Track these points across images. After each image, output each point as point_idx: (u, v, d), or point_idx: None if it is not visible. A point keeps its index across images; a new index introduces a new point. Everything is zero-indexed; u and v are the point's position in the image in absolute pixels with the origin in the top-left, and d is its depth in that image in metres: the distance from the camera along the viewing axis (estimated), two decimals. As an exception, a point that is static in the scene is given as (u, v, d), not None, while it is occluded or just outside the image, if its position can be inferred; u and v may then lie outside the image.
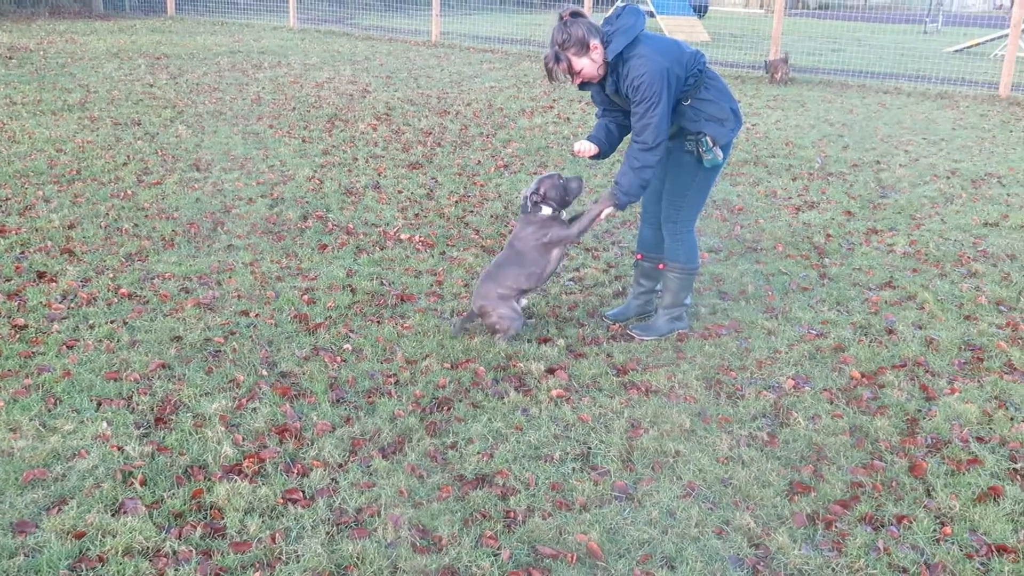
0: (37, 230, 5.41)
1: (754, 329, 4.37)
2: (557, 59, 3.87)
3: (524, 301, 4.21)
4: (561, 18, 3.89)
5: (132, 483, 2.95)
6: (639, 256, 4.42)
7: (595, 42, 3.84)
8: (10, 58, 12.37)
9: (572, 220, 4.19)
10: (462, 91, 11.33)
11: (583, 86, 4.04)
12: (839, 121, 9.99)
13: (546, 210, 4.15)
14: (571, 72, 3.90)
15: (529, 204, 4.15)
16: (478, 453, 3.22)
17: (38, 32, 15.78)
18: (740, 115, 4.09)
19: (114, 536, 2.68)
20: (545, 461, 3.19)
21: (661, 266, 4.32)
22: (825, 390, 3.76)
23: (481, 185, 6.87)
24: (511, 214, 6.13)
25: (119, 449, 3.14)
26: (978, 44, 18.01)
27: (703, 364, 3.98)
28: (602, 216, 4.12)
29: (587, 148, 4.13)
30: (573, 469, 3.15)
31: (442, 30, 17.50)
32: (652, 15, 20.56)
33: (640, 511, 2.92)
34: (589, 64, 3.88)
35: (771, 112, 10.51)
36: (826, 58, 16.06)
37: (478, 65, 14.03)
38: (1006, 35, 14.10)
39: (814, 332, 4.36)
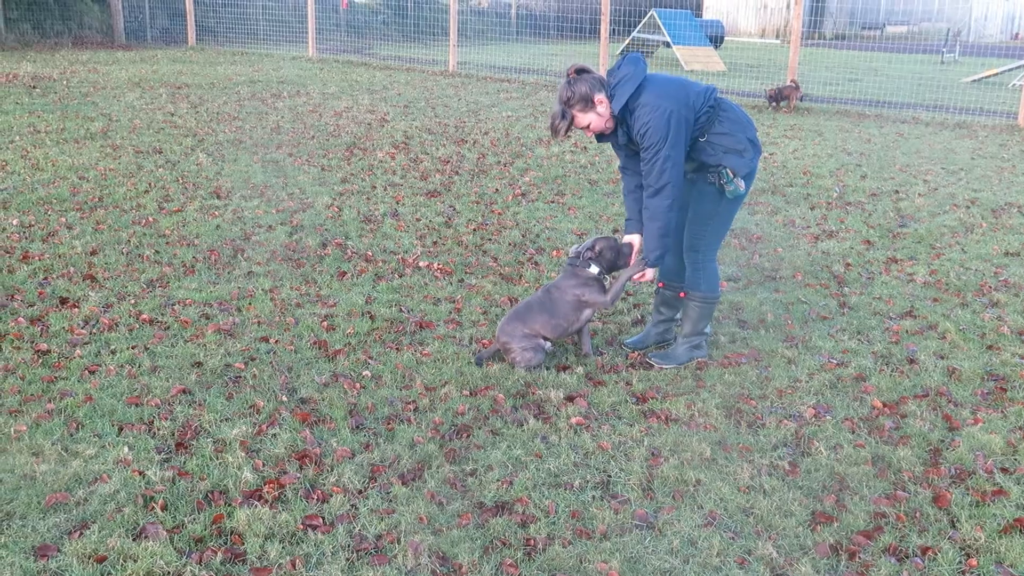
0: (60, 256, 5.47)
1: (774, 358, 4.35)
2: (563, 116, 3.94)
3: (548, 345, 4.22)
4: (567, 75, 3.96)
5: (153, 507, 2.96)
6: (660, 284, 4.42)
7: (600, 96, 3.89)
8: (34, 87, 12.58)
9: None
10: (479, 120, 11.41)
11: (600, 137, 4.09)
12: (857, 151, 9.99)
13: (594, 269, 4.19)
14: (575, 128, 3.98)
15: (581, 258, 4.20)
16: (498, 480, 3.21)
17: (61, 62, 16.05)
18: (758, 143, 4.11)
19: (135, 561, 2.69)
20: (565, 489, 3.17)
21: (682, 294, 4.32)
22: (847, 419, 3.74)
23: (499, 213, 6.90)
24: (528, 242, 6.15)
25: (140, 474, 3.15)
26: (996, 74, 18.01)
27: (723, 393, 3.97)
28: (635, 280, 4.16)
29: (636, 240, 4.21)
30: (593, 497, 3.13)
31: (459, 60, 17.67)
32: (668, 45, 20.73)
33: (661, 540, 2.90)
34: (596, 119, 3.94)
35: (788, 141, 10.52)
36: (843, 88, 16.09)
37: (495, 95, 14.14)
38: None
39: (835, 361, 4.33)
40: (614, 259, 4.24)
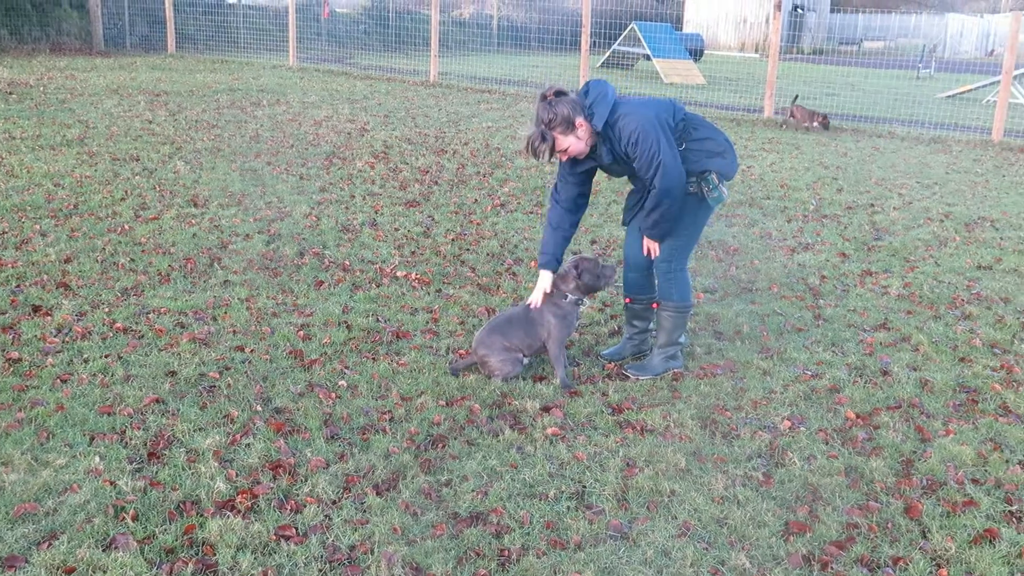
0: (33, 264, 5.41)
1: (749, 369, 4.38)
2: (543, 138, 3.86)
3: (525, 360, 4.21)
4: (545, 97, 3.88)
5: (124, 518, 2.93)
6: (628, 300, 4.43)
7: (580, 119, 3.85)
8: (10, 93, 12.47)
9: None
10: (459, 130, 11.43)
11: (572, 163, 4.03)
12: (833, 164, 10.09)
13: (571, 298, 4.17)
14: (556, 151, 3.90)
15: (560, 286, 4.18)
16: (473, 491, 3.20)
17: (39, 68, 15.92)
18: (733, 145, 4.14)
19: (104, 572, 2.66)
20: (540, 499, 3.17)
21: (655, 305, 4.33)
22: (820, 430, 3.76)
23: (477, 223, 6.91)
24: (507, 252, 6.16)
25: (111, 484, 3.12)
26: (971, 90, 18.26)
27: (698, 404, 3.98)
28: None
29: (548, 281, 4.20)
30: (568, 508, 3.13)
31: (440, 70, 17.70)
32: (649, 58, 20.86)
33: (635, 551, 2.90)
34: (575, 142, 3.89)
35: (766, 155, 10.61)
36: (821, 102, 16.25)
37: (475, 105, 14.17)
38: (998, 81, 14.30)
39: (809, 373, 4.36)
40: (593, 283, 4.21)
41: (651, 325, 4.46)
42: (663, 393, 4.09)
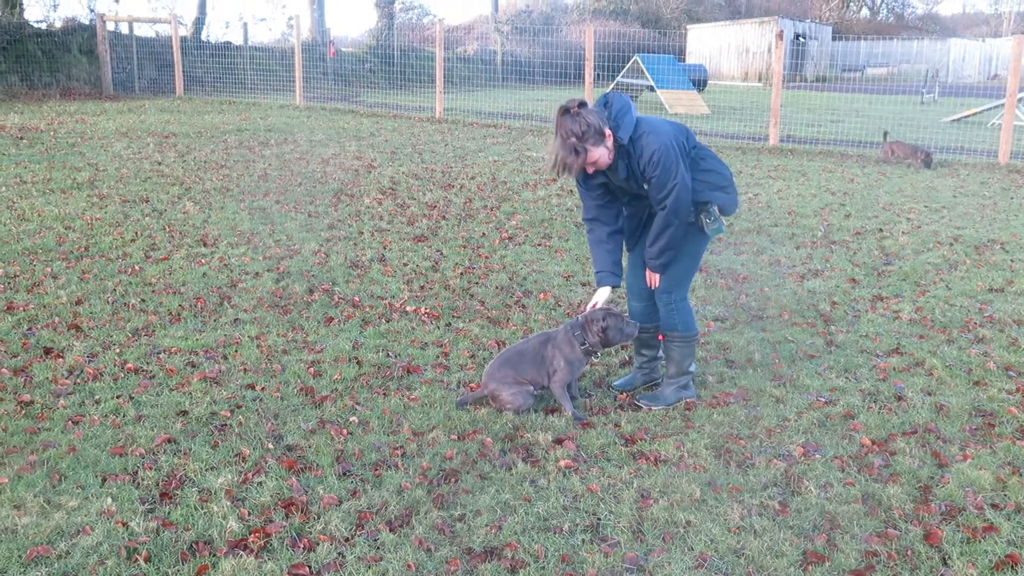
0: (45, 306, 5.44)
1: (762, 397, 4.35)
2: (576, 152, 3.78)
3: (537, 392, 4.19)
4: (569, 111, 3.82)
5: (137, 559, 2.91)
6: None
7: (607, 130, 3.83)
8: (21, 138, 12.62)
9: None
10: (466, 165, 11.50)
11: (589, 178, 4.01)
12: (840, 190, 10.09)
13: (586, 346, 4.14)
14: (587, 164, 3.84)
15: (580, 330, 4.13)
16: (486, 525, 3.18)
17: (49, 113, 16.13)
18: (734, 181, 4.15)
19: (117, 615, 2.64)
20: (554, 533, 3.14)
21: (660, 336, 4.32)
22: (836, 458, 3.72)
23: (486, 257, 6.92)
24: (516, 285, 6.16)
25: (124, 525, 3.10)
26: (975, 113, 18.30)
27: (712, 433, 3.95)
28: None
29: (606, 295, 4.19)
30: (583, 541, 3.10)
31: (446, 106, 17.85)
32: (652, 89, 21.01)
33: (652, 584, 2.86)
34: (604, 152, 3.84)
35: (773, 182, 10.63)
36: (826, 129, 16.31)
37: (481, 140, 14.26)
38: (1002, 104, 14.31)
39: (823, 399, 4.33)
40: (614, 338, 4.15)
41: (660, 353, 4.44)
42: (676, 423, 4.06)
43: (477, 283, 6.22)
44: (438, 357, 4.81)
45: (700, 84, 25.03)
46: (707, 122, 17.50)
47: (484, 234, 7.67)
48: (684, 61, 34.33)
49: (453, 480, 3.50)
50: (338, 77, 24.82)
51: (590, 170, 3.92)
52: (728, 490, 3.45)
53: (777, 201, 9.38)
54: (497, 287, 6.13)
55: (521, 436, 3.88)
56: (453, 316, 5.50)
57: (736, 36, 38.45)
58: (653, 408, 4.21)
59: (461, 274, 6.42)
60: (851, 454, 3.76)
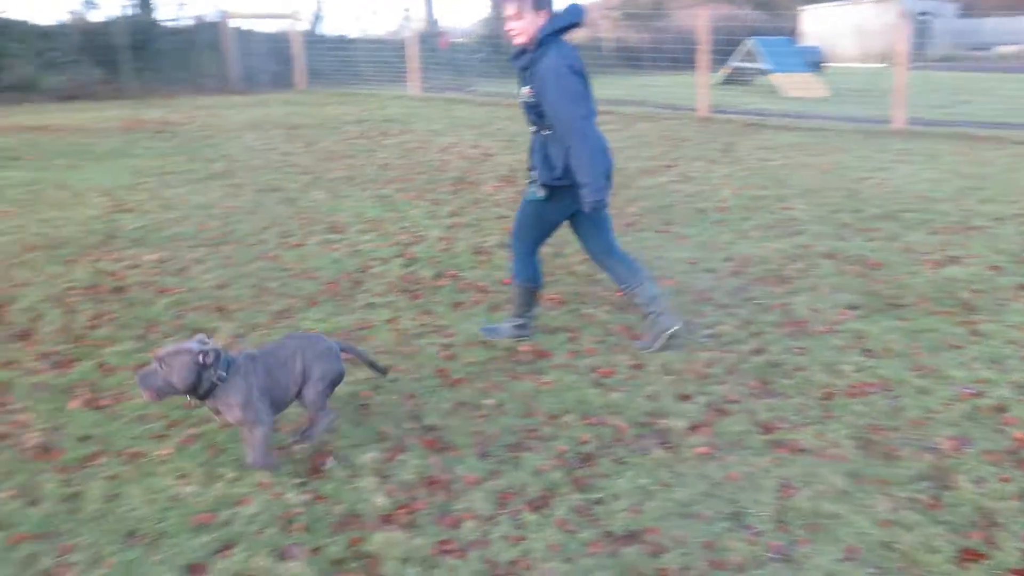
0: (192, 290, 5.74)
1: (904, 387, 4.21)
2: None
3: None
4: None
5: (293, 530, 3.06)
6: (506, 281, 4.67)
7: (545, 11, 4.10)
8: (160, 132, 13.29)
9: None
10: (582, 152, 11.45)
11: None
12: (975, 173, 9.62)
13: None
14: (504, 16, 4.12)
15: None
16: (625, 509, 3.20)
17: (182, 107, 16.93)
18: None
19: (280, 581, 2.78)
20: (695, 519, 3.14)
21: (619, 293, 4.72)
22: (988, 452, 3.58)
23: (608, 243, 6.89)
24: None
25: (279, 497, 3.26)
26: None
27: (852, 423, 3.86)
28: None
29: None
30: (724, 528, 3.08)
31: (558, 94, 17.82)
32: (765, 73, 20.47)
33: (800, 573, 2.83)
34: (528, 26, 4.13)
35: (901, 166, 10.22)
36: (955, 110, 15.56)
37: (595, 127, 14.18)
38: None
39: (970, 391, 4.16)
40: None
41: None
42: (814, 412, 3.98)
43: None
44: (566, 342, 4.85)
45: (815, 66, 24.24)
46: (826, 105, 16.94)
47: (604, 221, 7.64)
48: (798, 43, 33.28)
49: (590, 463, 3.53)
50: (451, 67, 25.14)
51: (508, 31, 4.18)
52: (874, 482, 3.37)
53: (907, 186, 9.02)
54: (621, 274, 6.10)
55: (654, 422, 3.88)
56: (579, 301, 5.53)
57: (853, 16, 37.04)
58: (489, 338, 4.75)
59: (584, 260, 6.43)
60: (1005, 448, 3.61)
